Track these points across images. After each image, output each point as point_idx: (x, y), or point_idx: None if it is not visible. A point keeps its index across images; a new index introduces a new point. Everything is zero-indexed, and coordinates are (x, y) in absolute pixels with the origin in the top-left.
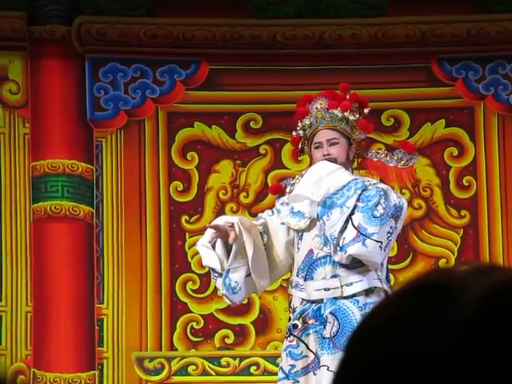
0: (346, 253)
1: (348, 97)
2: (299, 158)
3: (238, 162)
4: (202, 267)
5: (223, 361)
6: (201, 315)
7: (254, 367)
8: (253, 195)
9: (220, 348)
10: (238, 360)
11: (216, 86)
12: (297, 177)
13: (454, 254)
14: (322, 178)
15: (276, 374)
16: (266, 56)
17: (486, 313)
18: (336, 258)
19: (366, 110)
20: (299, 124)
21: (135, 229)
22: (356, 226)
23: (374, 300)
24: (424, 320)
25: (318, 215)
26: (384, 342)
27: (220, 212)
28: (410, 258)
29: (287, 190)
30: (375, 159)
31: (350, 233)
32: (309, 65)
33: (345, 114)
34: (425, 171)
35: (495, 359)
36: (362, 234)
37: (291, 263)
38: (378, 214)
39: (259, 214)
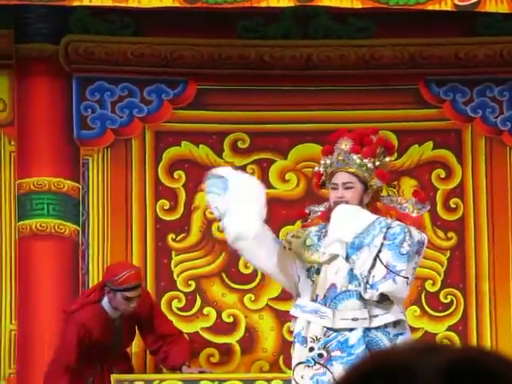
0: (377, 290)
1: (374, 140)
2: (322, 191)
3: None
4: (188, 285)
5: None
6: (186, 334)
7: None
8: None
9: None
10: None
11: (203, 105)
12: (322, 206)
13: (440, 276)
14: (347, 219)
15: None
16: (254, 76)
17: None
18: (366, 296)
19: (387, 159)
20: (322, 161)
21: (121, 247)
22: (385, 263)
23: (400, 331)
24: None
25: (347, 255)
26: None
27: (207, 231)
28: None
29: (310, 216)
30: (390, 205)
31: (380, 271)
32: (296, 85)
33: (364, 160)
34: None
35: None
36: (392, 272)
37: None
38: (404, 252)
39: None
